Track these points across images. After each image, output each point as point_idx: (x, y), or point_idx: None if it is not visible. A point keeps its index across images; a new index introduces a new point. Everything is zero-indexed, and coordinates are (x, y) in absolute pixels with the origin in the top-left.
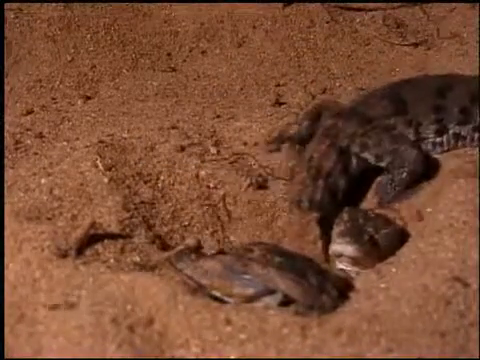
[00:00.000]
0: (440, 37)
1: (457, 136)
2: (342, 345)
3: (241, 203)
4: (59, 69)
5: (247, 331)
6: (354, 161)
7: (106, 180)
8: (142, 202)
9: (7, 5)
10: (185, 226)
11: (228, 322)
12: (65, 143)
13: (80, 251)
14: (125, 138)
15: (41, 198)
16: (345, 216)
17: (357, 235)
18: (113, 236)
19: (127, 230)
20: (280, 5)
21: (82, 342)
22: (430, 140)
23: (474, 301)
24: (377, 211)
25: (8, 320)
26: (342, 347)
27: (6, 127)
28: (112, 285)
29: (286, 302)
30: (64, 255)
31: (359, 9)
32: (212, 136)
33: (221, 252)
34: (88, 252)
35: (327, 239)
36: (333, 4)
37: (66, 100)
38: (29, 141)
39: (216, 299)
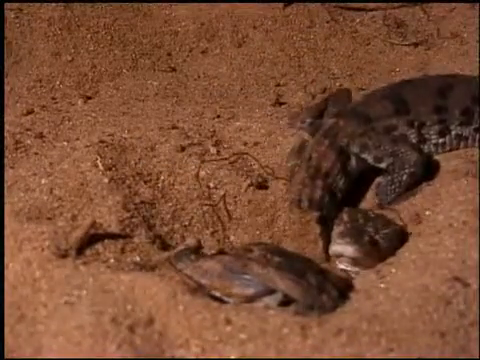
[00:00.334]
0: (440, 37)
1: (459, 137)
2: (342, 345)
3: (241, 203)
4: (59, 69)
5: (247, 331)
6: (353, 161)
7: (106, 180)
8: (142, 202)
9: (7, 5)
10: (185, 226)
11: (228, 322)
12: (65, 143)
13: (80, 251)
14: (125, 138)
15: (41, 198)
16: (345, 216)
17: (357, 236)
18: (113, 236)
19: (127, 230)
20: (280, 5)
21: (82, 342)
22: (432, 141)
23: (474, 301)
24: (377, 211)
25: (8, 320)
26: (342, 347)
27: (6, 127)
28: (112, 285)
29: (286, 302)
30: (64, 255)
31: (359, 9)
32: (212, 136)
33: (221, 252)
34: (88, 252)
35: (327, 238)
36: (333, 4)
37: (66, 100)
38: (29, 141)
39: (216, 299)
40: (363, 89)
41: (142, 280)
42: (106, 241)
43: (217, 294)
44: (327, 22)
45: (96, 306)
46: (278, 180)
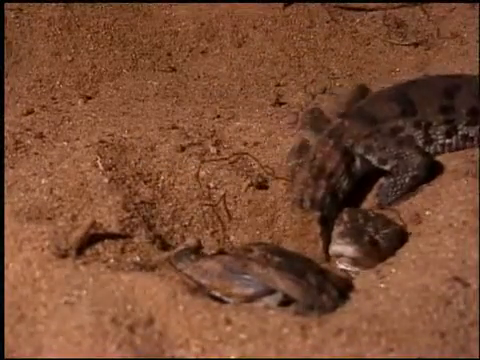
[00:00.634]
0: (440, 37)
1: (465, 137)
2: (342, 345)
3: (241, 203)
4: (59, 69)
5: (247, 331)
6: (358, 162)
7: (106, 180)
8: (142, 202)
9: (7, 5)
10: (185, 226)
11: (228, 322)
12: (65, 143)
13: (80, 251)
14: (125, 138)
15: (41, 198)
16: (345, 217)
17: (357, 236)
18: (113, 236)
19: (127, 230)
20: (280, 5)
21: (82, 342)
22: (439, 142)
23: (474, 301)
24: (377, 211)
25: (8, 320)
26: (342, 347)
27: (6, 127)
28: (112, 285)
29: (286, 302)
30: (64, 255)
31: (359, 9)
32: (212, 136)
33: (221, 252)
34: (88, 252)
35: (328, 238)
36: (333, 4)
37: (66, 100)
38: (29, 141)
39: (216, 299)
40: None
41: (142, 280)
42: (106, 241)
43: (217, 294)
44: (327, 22)
45: (96, 306)
46: (278, 180)
